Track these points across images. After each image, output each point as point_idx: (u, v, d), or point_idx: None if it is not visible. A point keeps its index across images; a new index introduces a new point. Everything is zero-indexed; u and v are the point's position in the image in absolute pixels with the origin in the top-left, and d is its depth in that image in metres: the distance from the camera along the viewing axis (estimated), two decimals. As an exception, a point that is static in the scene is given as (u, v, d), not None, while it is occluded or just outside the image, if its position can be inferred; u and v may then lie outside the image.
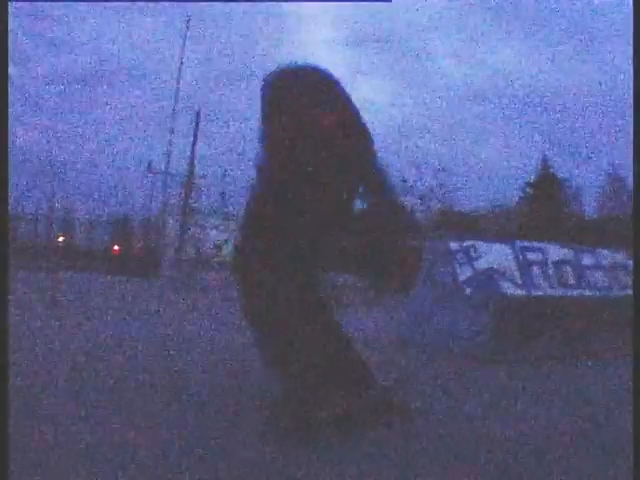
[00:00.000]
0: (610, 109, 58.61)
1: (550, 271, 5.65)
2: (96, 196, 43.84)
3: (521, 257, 5.42)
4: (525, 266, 5.37)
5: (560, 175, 35.18)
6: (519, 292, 5.08)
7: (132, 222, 44.67)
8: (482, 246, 5.20)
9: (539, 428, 2.59)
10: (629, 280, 7.45)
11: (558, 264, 5.80)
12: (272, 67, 2.80)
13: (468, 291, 4.91)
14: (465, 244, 5.09)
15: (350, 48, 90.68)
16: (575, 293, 5.94)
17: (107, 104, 71.19)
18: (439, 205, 25.34)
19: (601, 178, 36.77)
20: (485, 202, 34.35)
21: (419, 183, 25.95)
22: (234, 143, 50.29)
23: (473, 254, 5.04)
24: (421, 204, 24.91)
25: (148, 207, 34.87)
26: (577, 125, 56.67)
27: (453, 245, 5.01)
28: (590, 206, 36.42)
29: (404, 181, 27.30)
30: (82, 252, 43.97)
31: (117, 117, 69.72)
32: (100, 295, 10.96)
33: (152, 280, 20.48)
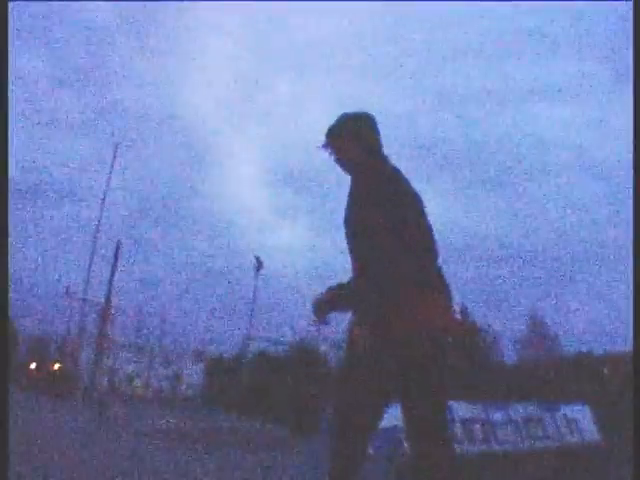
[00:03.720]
0: (531, 255, 62.14)
1: (458, 429, 5.61)
2: (13, 313, 41.94)
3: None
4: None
5: (478, 324, 35.93)
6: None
7: (49, 342, 42.88)
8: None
9: None
10: (541, 432, 7.49)
11: (467, 422, 5.77)
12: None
13: (371, 449, 4.77)
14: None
15: (272, 187, 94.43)
16: (484, 449, 5.89)
17: (30, 220, 69.39)
18: None
19: (521, 326, 37.70)
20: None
21: (335, 332, 26.84)
22: (152, 277, 50.01)
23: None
24: (335, 352, 25.55)
25: (65, 330, 33.70)
26: (496, 272, 59.41)
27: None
28: (508, 355, 36.85)
29: (327, 324, 27.88)
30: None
31: (38, 234, 67.83)
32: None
33: (66, 402, 19.36)
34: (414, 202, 2.53)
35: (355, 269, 2.56)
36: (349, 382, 2.55)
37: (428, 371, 2.37)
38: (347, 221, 2.62)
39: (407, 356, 2.35)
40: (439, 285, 2.48)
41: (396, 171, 2.59)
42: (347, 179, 2.76)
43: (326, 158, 2.89)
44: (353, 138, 2.73)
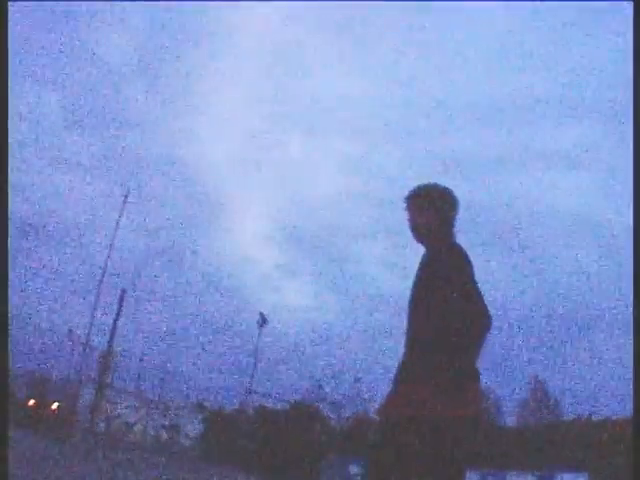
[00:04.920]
0: (533, 320, 61.16)
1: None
2: (15, 348, 41.77)
3: None
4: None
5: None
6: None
7: (49, 382, 42.69)
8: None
9: None
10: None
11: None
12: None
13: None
14: (364, 463, 5.14)
15: (278, 245, 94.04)
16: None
17: (36, 261, 68.53)
18: (351, 414, 25.90)
19: (523, 390, 36.99)
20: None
21: (334, 391, 26.83)
22: (155, 326, 49.61)
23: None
24: (334, 412, 25.55)
25: (66, 372, 33.61)
26: (498, 337, 58.38)
27: (351, 467, 5.08)
28: (509, 420, 36.07)
29: (320, 387, 28.16)
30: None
31: (45, 275, 67.25)
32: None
33: (62, 445, 19.29)
34: (478, 293, 2.56)
35: (411, 345, 2.60)
36: (383, 456, 2.52)
37: (452, 455, 2.40)
38: (414, 292, 2.65)
39: (435, 438, 2.37)
40: (475, 373, 2.53)
41: (467, 260, 2.61)
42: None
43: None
44: (436, 208, 2.73)
